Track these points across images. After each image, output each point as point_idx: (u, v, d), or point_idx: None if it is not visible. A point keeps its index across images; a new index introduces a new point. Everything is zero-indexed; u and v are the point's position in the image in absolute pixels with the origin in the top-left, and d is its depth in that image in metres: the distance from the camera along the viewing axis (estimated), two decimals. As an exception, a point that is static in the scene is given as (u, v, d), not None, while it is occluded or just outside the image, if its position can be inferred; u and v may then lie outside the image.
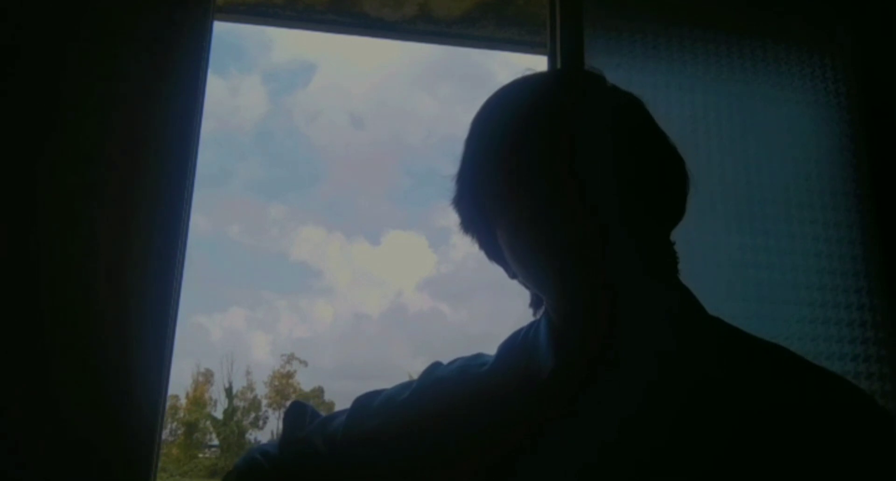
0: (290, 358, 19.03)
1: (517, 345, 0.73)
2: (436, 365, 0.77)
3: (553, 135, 0.64)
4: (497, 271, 0.74)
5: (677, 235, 0.70)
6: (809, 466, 0.56)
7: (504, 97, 0.70)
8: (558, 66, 1.65)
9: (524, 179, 0.64)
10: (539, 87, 0.70)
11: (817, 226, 1.73)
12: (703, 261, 1.63)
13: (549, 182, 0.62)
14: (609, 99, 0.70)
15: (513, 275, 0.71)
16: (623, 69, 1.71)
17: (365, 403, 0.76)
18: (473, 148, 0.70)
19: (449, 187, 0.73)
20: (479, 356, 0.76)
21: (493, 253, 0.72)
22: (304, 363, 19.08)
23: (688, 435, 0.59)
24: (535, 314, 0.74)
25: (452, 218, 0.74)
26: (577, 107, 0.66)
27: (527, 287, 0.72)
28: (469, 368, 0.74)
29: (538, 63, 1.86)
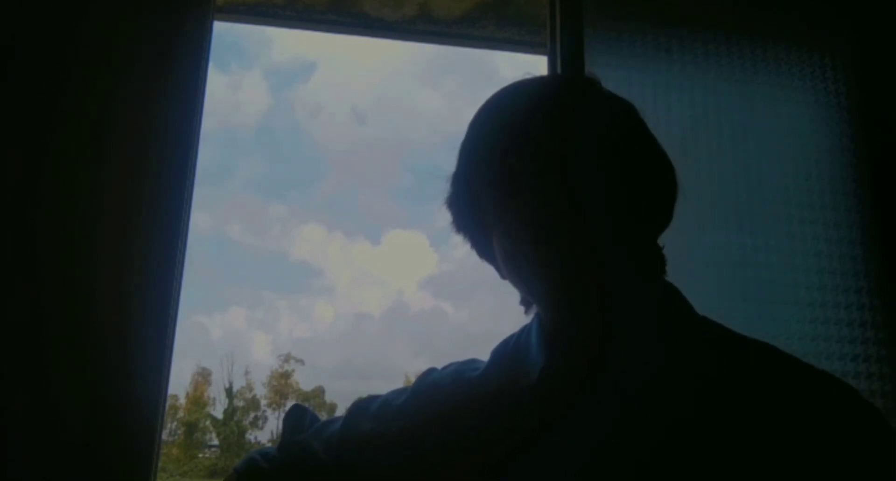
0: (288, 357, 19.04)
1: (509, 349, 0.74)
2: (431, 371, 0.78)
3: (548, 141, 0.64)
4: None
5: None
6: (802, 465, 0.56)
7: (501, 101, 0.71)
8: (558, 65, 1.65)
9: (518, 184, 0.64)
10: (535, 93, 0.70)
11: (817, 226, 1.73)
12: (703, 261, 1.63)
13: (543, 187, 0.63)
14: (603, 105, 0.70)
15: (503, 275, 0.72)
16: (623, 69, 1.71)
17: (362, 408, 0.77)
18: (469, 150, 0.71)
19: (444, 187, 0.73)
20: (472, 361, 0.77)
21: (485, 252, 0.73)
22: (301, 361, 19.07)
23: (680, 435, 0.59)
24: (526, 312, 0.74)
25: (448, 217, 0.74)
26: (572, 113, 0.67)
27: (516, 287, 0.72)
28: (462, 373, 0.75)
29: (538, 63, 1.86)
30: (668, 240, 0.71)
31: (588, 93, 0.71)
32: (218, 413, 17.48)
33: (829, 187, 1.76)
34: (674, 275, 0.71)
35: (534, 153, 0.64)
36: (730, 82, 1.79)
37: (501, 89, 0.72)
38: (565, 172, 0.63)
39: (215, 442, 17.34)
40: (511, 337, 0.75)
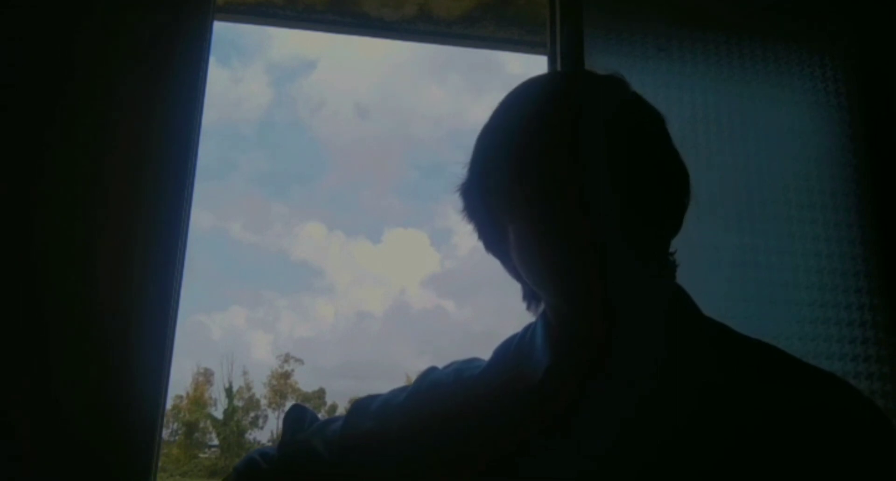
0: (287, 357, 19.01)
1: (512, 348, 0.74)
2: (431, 370, 0.78)
3: (562, 139, 0.64)
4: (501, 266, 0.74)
5: (678, 235, 0.71)
6: (806, 467, 0.56)
7: (521, 95, 0.70)
8: (558, 65, 1.65)
9: (530, 180, 0.64)
10: (556, 88, 0.70)
11: (817, 226, 1.73)
12: (703, 261, 1.63)
13: (554, 185, 0.63)
14: (623, 104, 0.69)
15: (511, 269, 0.72)
16: (623, 69, 1.69)
17: (362, 406, 0.77)
18: (486, 141, 0.70)
19: (455, 177, 0.72)
20: (474, 360, 0.77)
21: (492, 244, 0.73)
22: (301, 361, 19.05)
23: (684, 437, 0.59)
24: (528, 307, 0.74)
25: (459, 205, 0.73)
26: (587, 113, 0.66)
27: (521, 282, 0.72)
28: (464, 371, 0.75)
29: (538, 63, 1.86)
30: (668, 241, 0.71)
31: (609, 92, 0.70)
32: (219, 413, 17.48)
33: (829, 187, 1.76)
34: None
35: (547, 151, 0.64)
36: (730, 82, 1.79)
37: (525, 81, 0.71)
38: (578, 171, 0.63)
39: (215, 442, 17.34)
40: (514, 336, 0.75)
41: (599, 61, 1.68)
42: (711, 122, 1.73)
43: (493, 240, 0.72)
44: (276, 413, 17.79)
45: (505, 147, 0.67)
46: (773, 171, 1.74)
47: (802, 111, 1.82)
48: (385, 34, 2.02)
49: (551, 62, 1.69)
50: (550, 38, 1.70)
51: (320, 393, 18.42)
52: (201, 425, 17.36)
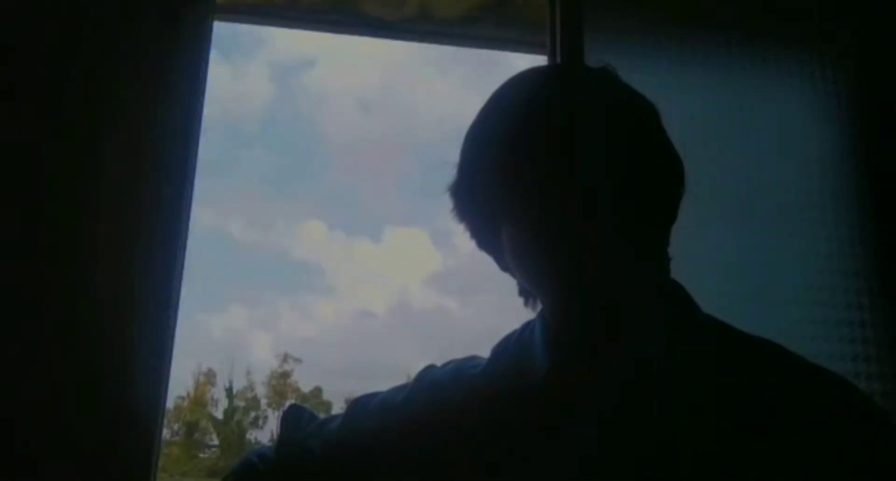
0: (287, 357, 18.95)
1: (511, 346, 0.73)
2: (430, 368, 0.77)
3: (555, 134, 0.63)
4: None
5: (678, 235, 0.70)
6: (805, 465, 0.56)
7: (513, 91, 0.69)
8: (558, 65, 1.65)
9: (524, 177, 0.63)
10: (545, 83, 0.69)
11: (817, 226, 1.72)
12: (703, 261, 1.62)
13: (551, 186, 0.62)
14: (615, 97, 0.69)
15: (504, 267, 0.71)
16: (623, 69, 1.69)
17: (361, 406, 0.77)
18: (478, 140, 0.69)
19: (451, 173, 0.72)
20: (472, 358, 0.76)
21: (485, 242, 0.72)
22: (300, 361, 19.00)
23: (684, 434, 0.59)
24: (525, 303, 0.74)
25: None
26: (581, 106, 0.66)
27: (520, 278, 0.72)
28: (463, 370, 0.74)
29: (538, 63, 1.86)
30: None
31: (599, 83, 0.70)
32: (220, 413, 17.45)
33: (829, 187, 1.76)
34: (674, 276, 0.71)
35: (540, 146, 0.63)
36: (730, 82, 1.79)
37: (514, 76, 0.70)
38: (571, 166, 0.62)
39: (215, 442, 17.32)
40: (511, 334, 0.75)
41: (599, 61, 1.67)
42: (711, 122, 1.73)
43: (486, 239, 0.71)
44: (277, 413, 17.75)
45: (496, 145, 0.66)
46: (773, 171, 1.74)
47: (803, 111, 1.82)
48: (385, 34, 2.02)
49: (551, 62, 1.69)
50: (550, 38, 1.70)
51: (318, 392, 18.38)
52: (202, 425, 17.34)
